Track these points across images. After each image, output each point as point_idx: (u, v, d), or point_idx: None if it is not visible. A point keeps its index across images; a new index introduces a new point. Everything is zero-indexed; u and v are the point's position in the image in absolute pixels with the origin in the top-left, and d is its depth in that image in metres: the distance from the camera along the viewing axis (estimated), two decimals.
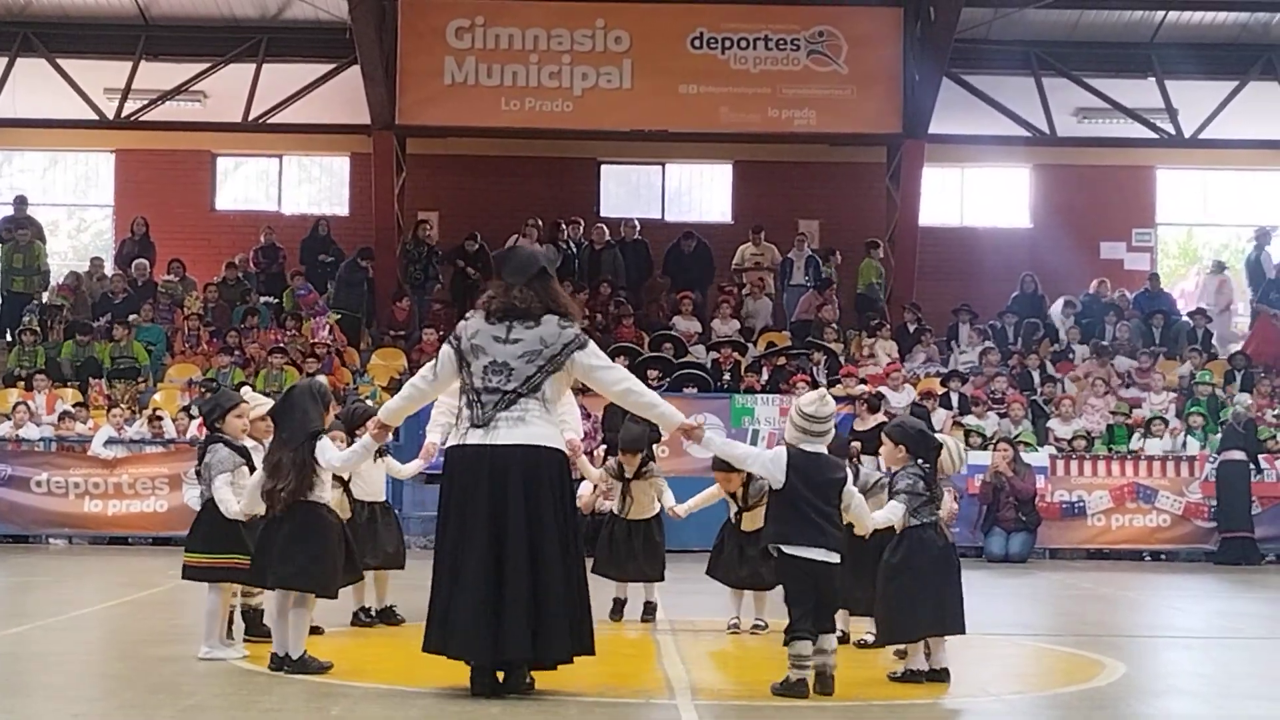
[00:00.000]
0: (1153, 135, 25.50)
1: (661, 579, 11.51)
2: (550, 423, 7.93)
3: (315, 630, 9.90)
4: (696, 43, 24.53)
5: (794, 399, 8.40)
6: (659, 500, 11.46)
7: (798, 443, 8.09)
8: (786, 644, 7.86)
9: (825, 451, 8.20)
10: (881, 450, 8.92)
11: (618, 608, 11.47)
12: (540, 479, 7.79)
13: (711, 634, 10.78)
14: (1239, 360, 23.19)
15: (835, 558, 7.97)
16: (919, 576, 8.30)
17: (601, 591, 10.56)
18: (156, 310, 23.91)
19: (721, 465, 10.24)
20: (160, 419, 20.47)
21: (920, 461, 8.53)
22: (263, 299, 24.68)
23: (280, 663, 8.40)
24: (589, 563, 9.37)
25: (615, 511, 11.56)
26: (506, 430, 7.77)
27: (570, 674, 8.01)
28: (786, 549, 7.94)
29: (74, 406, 21.05)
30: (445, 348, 8.08)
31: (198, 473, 9.09)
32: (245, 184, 29.05)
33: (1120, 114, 25.35)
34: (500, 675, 7.78)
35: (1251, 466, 19.72)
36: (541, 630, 7.66)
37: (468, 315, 8.16)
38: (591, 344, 8.00)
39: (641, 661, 9.53)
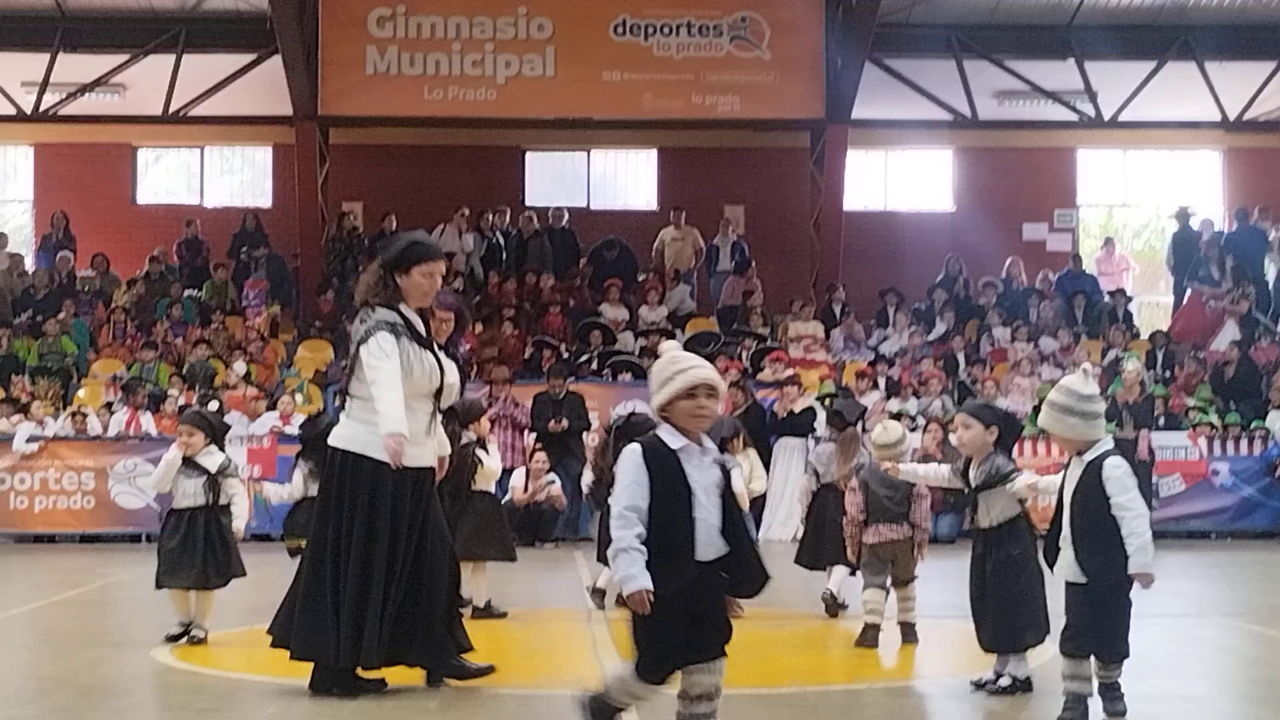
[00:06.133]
0: (1073, 117, 25.71)
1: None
2: None
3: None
4: (619, 30, 24.51)
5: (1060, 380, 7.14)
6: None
7: (1073, 431, 6.95)
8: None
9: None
10: None
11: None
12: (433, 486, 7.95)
13: None
14: (1160, 339, 23.43)
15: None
16: None
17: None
18: (79, 305, 23.68)
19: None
20: (85, 416, 20.27)
21: None
22: (186, 292, 24.49)
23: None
24: None
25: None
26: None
27: (505, 667, 8.02)
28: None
29: None
30: (389, 335, 7.74)
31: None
32: (166, 176, 28.78)
33: (1040, 96, 25.55)
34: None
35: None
36: (454, 630, 7.79)
37: (376, 309, 7.87)
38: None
39: (575, 653, 9.56)
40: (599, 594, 11.42)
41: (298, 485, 10.58)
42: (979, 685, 7.83)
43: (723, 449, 11.37)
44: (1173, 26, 25.11)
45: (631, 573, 5.51)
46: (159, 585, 9.58)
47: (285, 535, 11.36)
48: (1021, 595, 7.70)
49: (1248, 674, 8.91)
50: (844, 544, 9.73)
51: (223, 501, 9.58)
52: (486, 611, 10.73)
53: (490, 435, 11.26)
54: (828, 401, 18.28)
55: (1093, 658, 6.90)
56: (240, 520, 9.68)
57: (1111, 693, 6.95)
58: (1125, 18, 25.07)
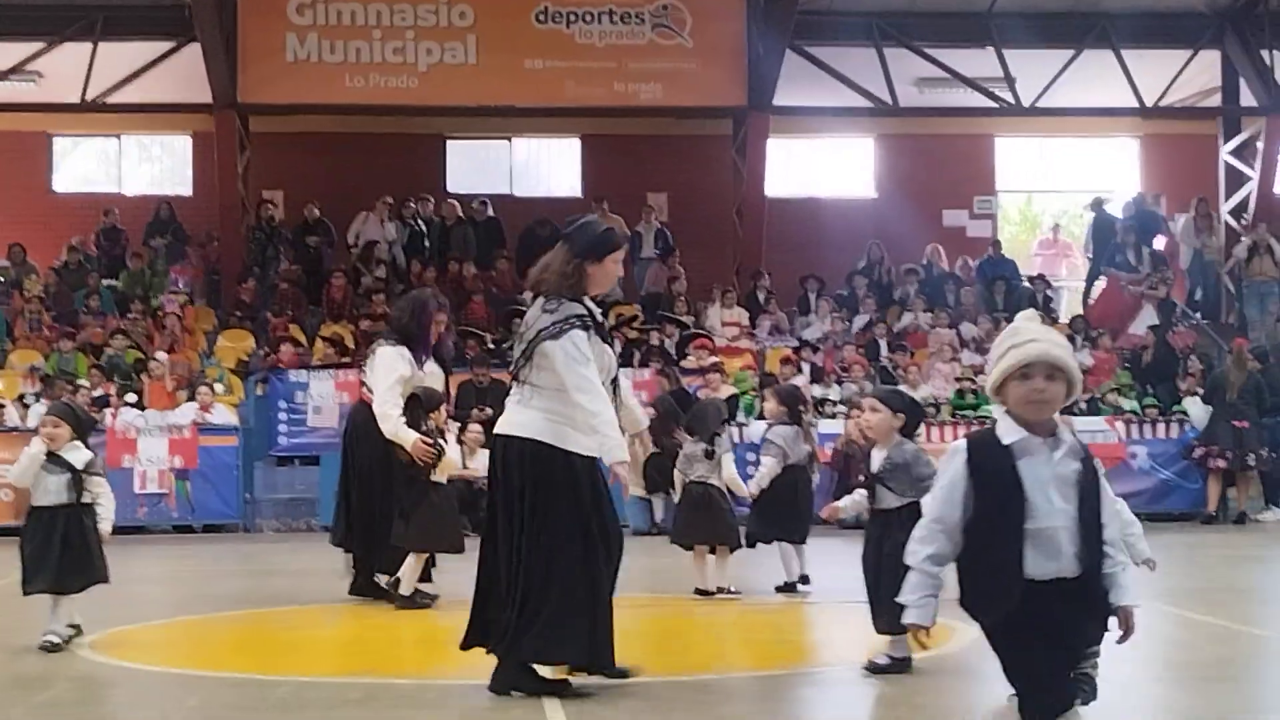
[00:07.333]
0: (992, 104, 25.88)
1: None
2: None
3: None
4: (541, 17, 24.47)
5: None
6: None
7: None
8: None
9: None
10: (766, 406, 9.63)
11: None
12: None
13: None
14: (1079, 324, 23.65)
15: None
16: None
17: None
18: None
19: None
20: (2, 407, 20.04)
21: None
22: (104, 282, 24.24)
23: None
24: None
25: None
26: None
27: (430, 657, 8.00)
28: None
29: None
30: (582, 333, 7.40)
31: None
32: (84, 164, 28.52)
33: (960, 83, 25.71)
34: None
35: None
36: None
37: (564, 302, 7.47)
38: None
39: None
40: None
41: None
42: (872, 669, 7.82)
43: (715, 437, 11.45)
44: (1090, 14, 25.36)
45: (909, 599, 4.63)
46: (25, 591, 9.14)
47: None
48: None
49: (1170, 656, 8.97)
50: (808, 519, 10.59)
51: (86, 500, 9.06)
52: (411, 601, 10.69)
53: (447, 425, 11.20)
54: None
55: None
56: (107, 522, 9.17)
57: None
58: (1043, 5, 25.29)
